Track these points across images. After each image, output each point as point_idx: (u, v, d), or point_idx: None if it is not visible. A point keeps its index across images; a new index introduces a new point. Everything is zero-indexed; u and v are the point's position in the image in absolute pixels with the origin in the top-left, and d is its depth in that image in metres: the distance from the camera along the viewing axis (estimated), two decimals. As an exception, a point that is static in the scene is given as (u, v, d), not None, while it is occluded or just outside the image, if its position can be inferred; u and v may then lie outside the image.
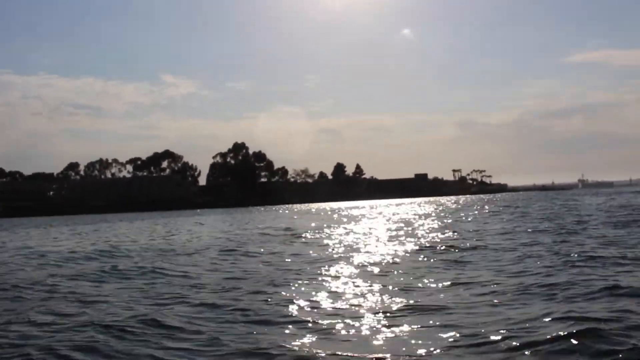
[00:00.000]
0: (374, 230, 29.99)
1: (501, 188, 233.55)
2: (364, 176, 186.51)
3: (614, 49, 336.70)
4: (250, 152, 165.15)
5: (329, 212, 67.17)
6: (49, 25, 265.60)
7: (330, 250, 19.60)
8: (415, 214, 49.86)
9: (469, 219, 37.38)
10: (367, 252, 18.29)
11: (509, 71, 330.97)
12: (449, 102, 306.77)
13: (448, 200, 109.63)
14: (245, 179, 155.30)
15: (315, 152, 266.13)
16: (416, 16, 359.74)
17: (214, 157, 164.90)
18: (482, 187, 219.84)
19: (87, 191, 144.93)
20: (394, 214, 52.13)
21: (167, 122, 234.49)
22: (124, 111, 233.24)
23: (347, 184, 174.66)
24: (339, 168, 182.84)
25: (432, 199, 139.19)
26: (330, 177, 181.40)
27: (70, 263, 18.47)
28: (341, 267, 14.53)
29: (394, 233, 26.78)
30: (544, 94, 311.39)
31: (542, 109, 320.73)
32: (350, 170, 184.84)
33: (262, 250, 20.08)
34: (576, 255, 14.51)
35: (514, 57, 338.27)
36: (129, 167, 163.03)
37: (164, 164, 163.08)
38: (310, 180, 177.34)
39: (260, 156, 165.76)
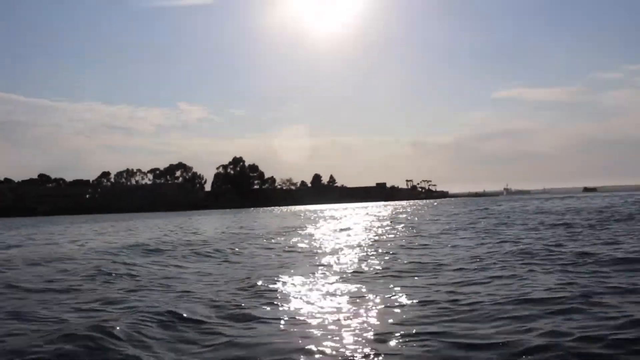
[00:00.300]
0: (333, 229, 28.34)
1: (444, 195, 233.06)
2: (336, 184, 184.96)
3: (525, 87, 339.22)
4: (246, 164, 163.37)
5: (306, 214, 65.48)
6: (91, 63, 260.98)
7: (288, 250, 17.97)
8: (370, 215, 48.31)
9: (409, 220, 35.97)
10: (317, 251, 16.66)
11: (450, 104, 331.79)
12: (403, 127, 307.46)
13: (401, 205, 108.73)
14: (242, 186, 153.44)
15: (297, 165, 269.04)
16: (378, 59, 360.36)
17: (217, 168, 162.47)
18: (429, 194, 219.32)
19: (116, 195, 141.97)
20: (346, 216, 50.58)
21: (181, 140, 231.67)
22: (148, 131, 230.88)
23: (323, 191, 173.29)
24: (317, 178, 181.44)
25: (389, 202, 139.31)
26: (309, 185, 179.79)
27: (62, 264, 16.41)
28: (287, 268, 12.87)
29: (348, 230, 25.19)
30: (477, 121, 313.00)
31: (476, 133, 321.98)
32: (325, 179, 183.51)
33: (227, 249, 18.18)
34: (491, 257, 13.05)
35: (454, 93, 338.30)
36: (150, 176, 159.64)
37: (178, 173, 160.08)
38: (293, 187, 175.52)
39: (254, 168, 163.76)
